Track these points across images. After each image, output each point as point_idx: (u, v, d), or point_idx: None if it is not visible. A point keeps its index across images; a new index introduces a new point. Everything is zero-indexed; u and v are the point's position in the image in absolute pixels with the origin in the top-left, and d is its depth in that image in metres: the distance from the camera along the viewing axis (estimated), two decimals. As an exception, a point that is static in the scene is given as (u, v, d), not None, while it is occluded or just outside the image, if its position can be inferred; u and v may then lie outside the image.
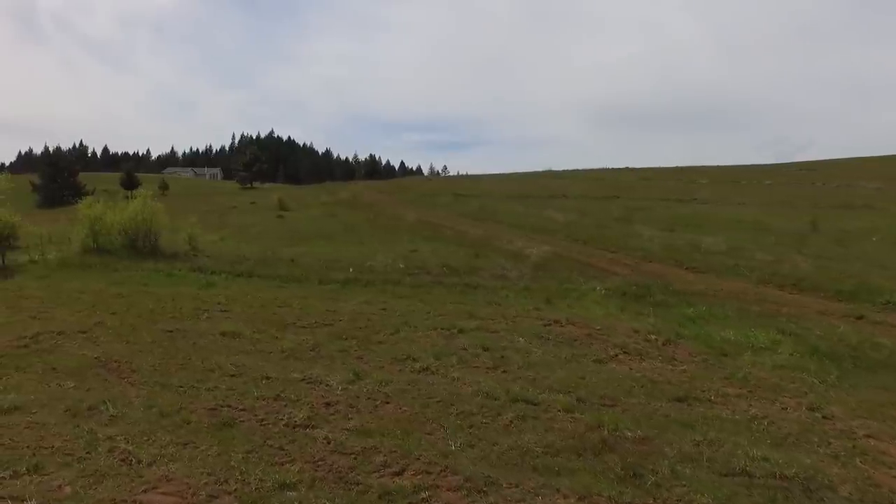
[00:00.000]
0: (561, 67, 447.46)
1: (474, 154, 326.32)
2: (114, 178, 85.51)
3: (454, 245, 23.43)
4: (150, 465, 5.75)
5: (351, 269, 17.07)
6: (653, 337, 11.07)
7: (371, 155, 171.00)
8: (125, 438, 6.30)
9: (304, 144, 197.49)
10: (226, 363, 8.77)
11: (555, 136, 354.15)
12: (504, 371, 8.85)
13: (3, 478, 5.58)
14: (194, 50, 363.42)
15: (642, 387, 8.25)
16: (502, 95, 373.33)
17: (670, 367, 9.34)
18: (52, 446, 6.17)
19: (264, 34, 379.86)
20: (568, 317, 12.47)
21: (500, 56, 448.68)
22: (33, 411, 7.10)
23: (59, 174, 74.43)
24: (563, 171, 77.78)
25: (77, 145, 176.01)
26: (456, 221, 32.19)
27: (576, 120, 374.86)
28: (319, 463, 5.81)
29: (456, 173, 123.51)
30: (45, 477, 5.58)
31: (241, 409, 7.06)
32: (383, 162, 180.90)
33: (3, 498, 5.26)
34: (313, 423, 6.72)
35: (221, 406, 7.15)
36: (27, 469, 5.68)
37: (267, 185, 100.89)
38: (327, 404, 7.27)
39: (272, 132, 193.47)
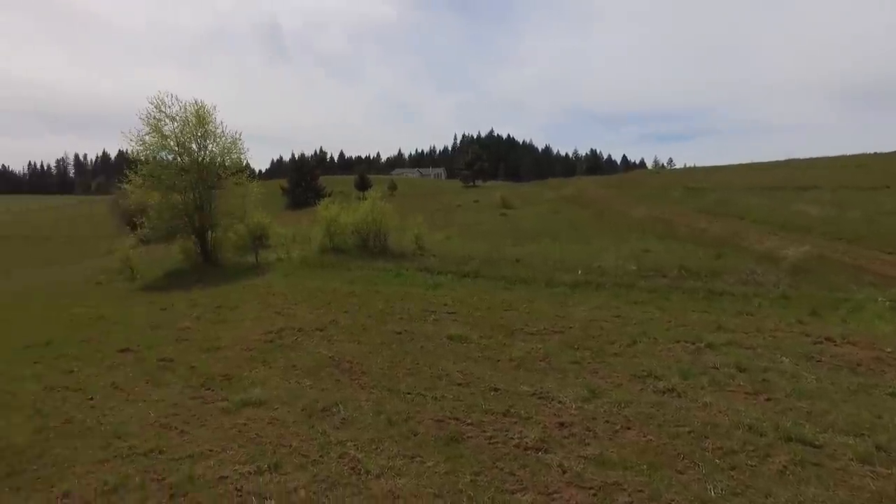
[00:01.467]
0: (794, 44, 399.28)
1: (700, 144, 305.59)
2: (348, 180, 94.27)
3: (691, 244, 21.53)
4: (377, 476, 5.73)
5: (579, 271, 16.41)
6: (973, 367, 8.81)
7: (592, 150, 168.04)
8: (355, 445, 6.41)
9: (523, 142, 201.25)
10: (453, 370, 8.71)
11: (792, 120, 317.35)
12: (768, 399, 7.56)
13: (249, 472, 5.97)
14: (416, 58, 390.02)
15: (971, 436, 6.46)
16: (729, 80, 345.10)
17: None
18: (291, 445, 6.49)
19: (481, 38, 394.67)
20: (843, 334, 10.51)
21: (724, 37, 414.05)
22: (275, 407, 7.63)
23: (303, 178, 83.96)
24: (811, 158, 68.43)
25: (317, 151, 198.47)
26: (691, 218, 29.75)
27: (816, 101, 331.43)
28: (554, 496, 5.31)
29: (683, 165, 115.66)
30: (284, 477, 5.84)
31: (469, 424, 6.84)
32: (604, 156, 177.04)
33: (249, 493, 5.59)
34: (546, 445, 6.24)
35: (449, 418, 7.01)
36: (268, 466, 6.02)
37: (488, 182, 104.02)
38: (561, 424, 6.76)
39: (492, 131, 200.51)
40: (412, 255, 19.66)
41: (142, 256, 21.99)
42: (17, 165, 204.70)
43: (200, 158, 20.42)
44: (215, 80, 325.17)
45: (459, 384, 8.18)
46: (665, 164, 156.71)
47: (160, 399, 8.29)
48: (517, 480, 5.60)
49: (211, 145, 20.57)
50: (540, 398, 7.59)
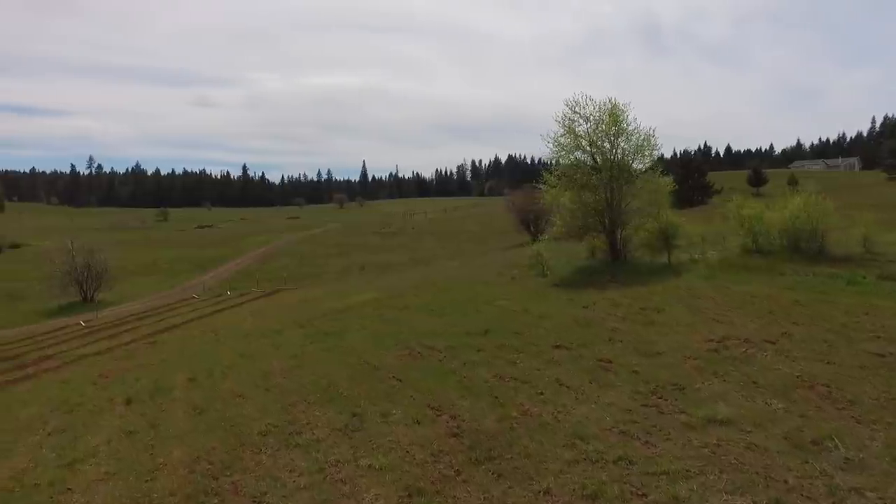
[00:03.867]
0: None
1: None
2: (739, 175, 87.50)
3: None
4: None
5: None
6: None
7: None
8: (881, 499, 5.20)
9: None
10: None
11: None
12: None
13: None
14: (814, 32, 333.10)
15: None
16: None
17: None
18: (785, 481, 5.61)
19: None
20: None
21: None
22: (748, 430, 6.79)
23: (689, 175, 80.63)
24: None
25: (701, 147, 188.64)
26: None
27: None
28: None
29: None
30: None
31: None
32: None
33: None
34: None
35: None
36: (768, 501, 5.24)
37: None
38: None
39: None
40: (860, 258, 16.67)
41: (548, 253, 23.11)
42: (427, 172, 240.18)
43: (612, 157, 20.55)
44: (593, 83, 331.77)
45: None
46: None
47: (610, 402, 8.14)
48: None
49: (623, 143, 20.55)
50: None
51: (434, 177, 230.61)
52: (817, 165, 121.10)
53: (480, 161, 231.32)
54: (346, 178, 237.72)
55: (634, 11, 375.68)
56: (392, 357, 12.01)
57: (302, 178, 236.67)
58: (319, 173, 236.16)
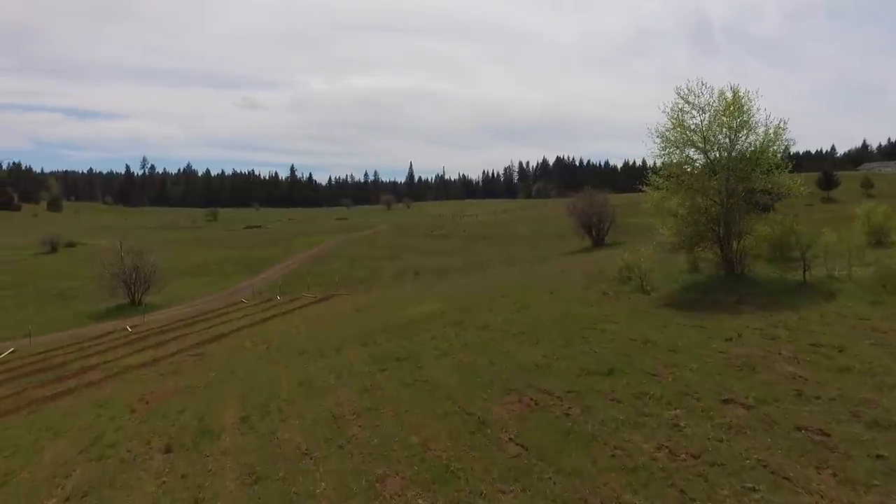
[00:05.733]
0: None
1: None
2: (803, 178, 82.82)
3: None
4: None
5: None
6: None
7: None
8: None
9: None
10: None
11: None
12: None
13: None
14: (873, 27, 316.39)
15: None
16: None
17: None
18: None
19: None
20: None
21: None
22: None
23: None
24: None
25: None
26: None
27: None
28: None
29: None
30: None
31: None
32: None
33: None
34: None
35: None
36: None
37: None
38: None
39: None
40: None
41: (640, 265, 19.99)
42: (473, 173, 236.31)
43: (731, 154, 17.22)
44: (640, 84, 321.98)
45: None
46: None
47: (879, 515, 5.24)
48: None
49: (744, 137, 17.19)
50: None
51: (480, 178, 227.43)
52: (889, 168, 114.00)
53: (527, 163, 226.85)
54: (392, 180, 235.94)
55: (683, 10, 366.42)
56: (499, 406, 9.26)
57: (349, 179, 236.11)
58: (366, 174, 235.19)
